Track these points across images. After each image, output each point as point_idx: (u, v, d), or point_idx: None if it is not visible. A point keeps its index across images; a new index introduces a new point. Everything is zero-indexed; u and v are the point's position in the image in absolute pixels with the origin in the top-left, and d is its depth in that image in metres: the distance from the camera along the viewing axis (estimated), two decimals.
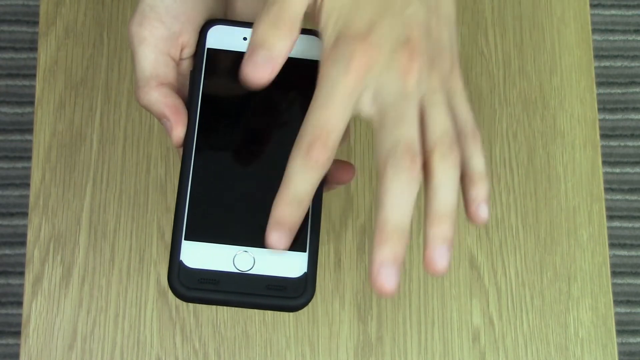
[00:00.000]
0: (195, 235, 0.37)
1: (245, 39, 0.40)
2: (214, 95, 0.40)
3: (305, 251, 0.37)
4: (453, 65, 0.38)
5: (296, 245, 0.37)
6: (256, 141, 0.40)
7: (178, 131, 0.39)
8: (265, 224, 0.36)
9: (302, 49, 0.39)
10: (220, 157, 0.39)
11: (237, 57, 0.39)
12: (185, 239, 0.37)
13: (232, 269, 0.37)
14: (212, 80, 0.40)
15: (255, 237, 0.37)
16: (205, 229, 0.38)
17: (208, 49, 0.41)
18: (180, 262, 0.37)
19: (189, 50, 0.41)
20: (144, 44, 0.39)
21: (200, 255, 0.37)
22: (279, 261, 0.37)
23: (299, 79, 0.39)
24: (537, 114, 0.62)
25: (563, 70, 0.63)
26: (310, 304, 0.58)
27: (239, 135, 0.40)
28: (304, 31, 0.38)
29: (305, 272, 0.37)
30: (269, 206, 0.36)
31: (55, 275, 0.58)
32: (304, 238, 0.38)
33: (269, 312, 0.58)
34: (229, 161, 0.39)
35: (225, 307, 0.58)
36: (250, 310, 0.58)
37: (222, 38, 0.41)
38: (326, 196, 0.60)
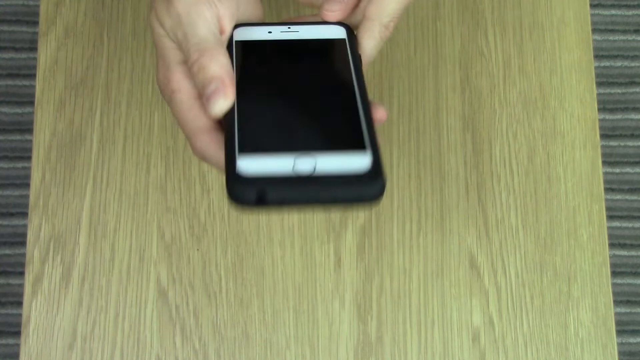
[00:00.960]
0: (250, 148, 0.37)
1: (270, 32, 0.45)
2: (249, 61, 0.43)
3: (364, 148, 0.37)
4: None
5: (355, 144, 0.37)
6: (293, 75, 0.43)
7: (229, 98, 0.39)
8: (316, 128, 0.38)
9: (329, 32, 0.46)
10: (262, 86, 0.41)
11: (264, 44, 0.44)
12: (240, 153, 0.36)
13: (294, 174, 0.36)
14: (244, 53, 0.43)
15: (313, 141, 0.37)
16: (259, 142, 0.37)
17: (236, 41, 0.44)
18: (238, 174, 0.36)
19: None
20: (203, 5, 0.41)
21: (258, 165, 0.36)
22: (341, 160, 0.36)
23: (325, 51, 0.45)
24: (537, 114, 0.62)
25: (563, 70, 0.63)
26: (310, 304, 0.58)
27: (276, 76, 0.43)
28: (332, 23, 0.45)
29: (370, 166, 0.36)
30: (315, 113, 0.38)
31: (55, 275, 0.58)
32: (360, 136, 0.38)
33: (269, 311, 0.58)
34: (270, 87, 0.41)
35: (225, 307, 0.58)
36: (250, 310, 0.58)
37: (250, 33, 0.45)
38: None
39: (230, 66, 0.40)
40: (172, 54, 0.42)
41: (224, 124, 0.39)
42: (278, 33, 0.45)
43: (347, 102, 0.40)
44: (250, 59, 0.43)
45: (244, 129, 0.38)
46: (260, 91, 0.41)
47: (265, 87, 0.42)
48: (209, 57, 0.40)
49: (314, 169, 0.36)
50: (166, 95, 0.42)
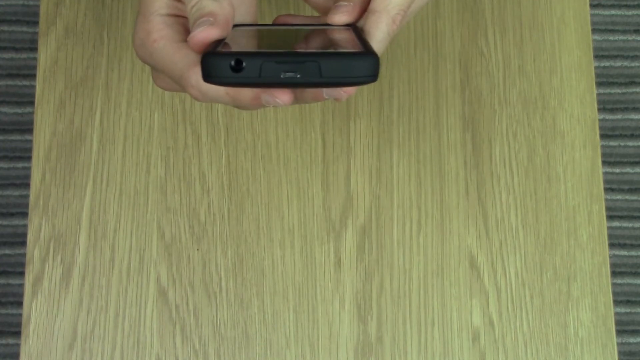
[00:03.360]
0: (230, 49, 0.35)
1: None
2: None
3: (359, 48, 0.35)
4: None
5: (349, 46, 0.35)
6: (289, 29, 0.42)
7: (220, 30, 0.37)
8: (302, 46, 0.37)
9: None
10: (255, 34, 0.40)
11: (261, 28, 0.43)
12: (219, 51, 0.34)
13: (279, 51, 0.33)
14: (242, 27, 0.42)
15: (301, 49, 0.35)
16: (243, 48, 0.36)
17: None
18: (216, 50, 0.33)
19: None
20: None
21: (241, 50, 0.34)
22: (331, 50, 0.34)
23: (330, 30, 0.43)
24: (537, 114, 0.62)
25: (563, 70, 0.63)
26: (310, 304, 0.58)
27: (272, 28, 0.42)
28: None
29: (362, 50, 0.34)
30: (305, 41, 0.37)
31: (55, 275, 0.58)
32: (356, 43, 0.36)
33: (269, 311, 0.58)
34: (265, 32, 0.40)
35: (225, 307, 0.58)
36: (250, 310, 0.58)
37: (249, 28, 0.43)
38: (326, 196, 0.60)
39: (232, 14, 0.38)
40: (158, 6, 0.41)
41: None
42: (279, 27, 0.44)
43: (344, 35, 0.39)
44: (249, 29, 0.42)
45: (229, 46, 0.36)
46: (252, 35, 0.40)
47: (260, 35, 0.40)
48: (212, 0, 0.38)
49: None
50: (147, 49, 0.40)
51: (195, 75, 0.38)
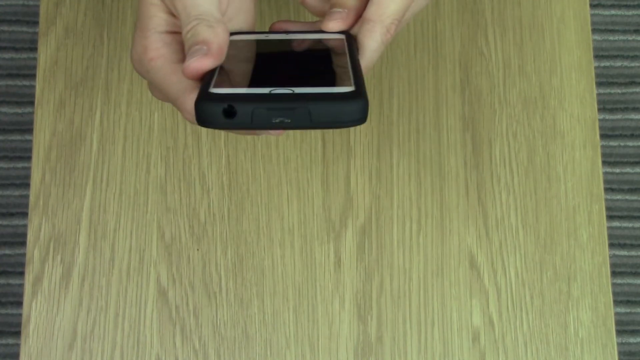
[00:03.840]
0: (226, 84, 0.35)
1: (267, 36, 0.44)
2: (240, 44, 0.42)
3: (350, 85, 0.35)
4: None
5: (339, 81, 0.36)
6: (283, 48, 0.43)
7: (213, 59, 0.38)
8: (299, 74, 0.37)
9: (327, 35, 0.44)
10: (249, 52, 0.41)
11: (261, 38, 0.43)
12: (214, 87, 0.35)
13: (269, 92, 0.34)
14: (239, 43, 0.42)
15: (293, 79, 0.35)
16: (236, 80, 0.36)
17: (231, 40, 0.42)
18: (210, 92, 0.34)
19: None
20: None
21: (232, 90, 0.34)
22: (322, 89, 0.34)
23: (321, 42, 0.43)
24: (537, 114, 0.62)
25: (563, 70, 0.63)
26: (310, 304, 0.58)
27: (266, 46, 0.42)
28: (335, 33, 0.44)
29: (353, 89, 0.34)
30: (301, 69, 0.37)
31: (55, 275, 0.58)
32: (347, 75, 0.36)
33: (269, 311, 0.58)
34: (258, 52, 0.41)
35: (225, 307, 0.58)
36: (250, 310, 0.58)
37: (246, 36, 0.44)
38: (326, 196, 0.60)
39: (227, 40, 0.39)
40: (156, 23, 0.41)
41: (204, 79, 0.37)
42: (275, 35, 0.44)
43: (337, 61, 0.39)
44: (245, 44, 0.42)
45: (225, 74, 0.37)
46: (246, 54, 0.40)
47: (253, 53, 0.41)
48: (207, 26, 0.38)
49: (292, 91, 0.34)
50: (143, 66, 0.41)
51: (190, 101, 0.38)
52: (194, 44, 0.38)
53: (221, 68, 0.38)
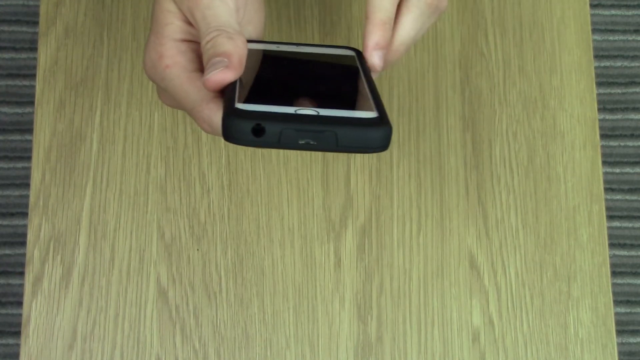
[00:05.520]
0: (250, 100, 0.35)
1: (278, 47, 0.45)
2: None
3: (372, 109, 0.35)
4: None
5: (360, 106, 0.36)
6: (299, 64, 0.43)
7: (234, 73, 0.37)
8: (322, 95, 0.37)
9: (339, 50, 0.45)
10: (268, 68, 0.41)
11: (274, 51, 0.44)
12: (239, 102, 0.35)
13: (295, 112, 0.34)
14: (254, 54, 0.43)
15: (317, 101, 0.35)
16: (258, 94, 0.36)
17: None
18: (237, 108, 0.34)
19: None
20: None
21: (258, 107, 0.34)
22: (346, 112, 0.35)
23: (334, 57, 0.44)
24: (537, 114, 0.62)
25: (563, 70, 0.63)
26: (310, 304, 0.58)
27: (283, 62, 0.42)
28: (341, 47, 0.45)
29: (376, 114, 0.35)
30: (321, 89, 0.38)
31: (55, 275, 0.58)
32: (366, 97, 0.36)
33: (269, 311, 0.58)
34: (276, 69, 0.41)
35: (225, 307, 0.58)
36: (250, 310, 0.58)
37: (258, 45, 0.44)
38: (326, 196, 0.60)
39: (246, 52, 0.39)
40: (172, 30, 0.41)
41: (226, 91, 0.38)
42: (286, 47, 0.45)
43: (354, 81, 0.40)
44: (260, 54, 0.43)
45: (246, 87, 0.37)
46: (262, 65, 0.40)
47: (268, 64, 0.41)
48: (227, 38, 0.38)
49: (317, 112, 0.34)
50: (158, 73, 0.41)
51: (208, 110, 0.38)
52: (214, 56, 0.37)
53: (240, 80, 0.38)
